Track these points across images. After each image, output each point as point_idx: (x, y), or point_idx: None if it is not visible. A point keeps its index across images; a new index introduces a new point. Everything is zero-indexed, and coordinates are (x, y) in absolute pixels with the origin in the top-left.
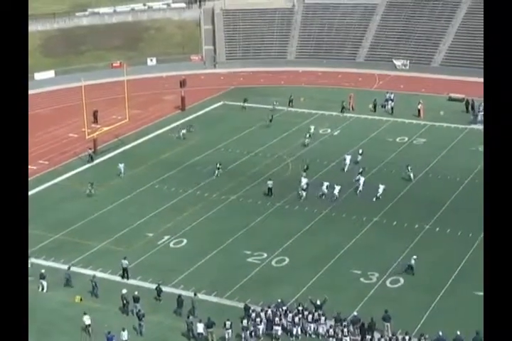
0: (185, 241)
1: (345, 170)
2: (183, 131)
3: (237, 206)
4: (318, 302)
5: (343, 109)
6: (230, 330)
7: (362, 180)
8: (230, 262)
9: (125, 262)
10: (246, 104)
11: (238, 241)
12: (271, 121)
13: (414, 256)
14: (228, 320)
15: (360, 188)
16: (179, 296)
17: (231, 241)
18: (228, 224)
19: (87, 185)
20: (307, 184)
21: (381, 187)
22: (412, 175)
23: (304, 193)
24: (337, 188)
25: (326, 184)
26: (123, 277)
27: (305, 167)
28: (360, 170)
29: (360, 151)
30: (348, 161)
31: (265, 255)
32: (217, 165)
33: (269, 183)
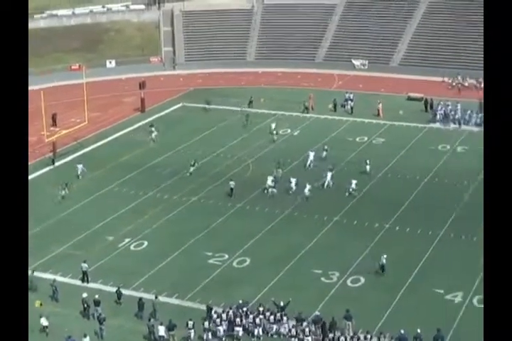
0: (145, 243)
1: (309, 166)
2: (155, 134)
3: (198, 207)
4: (282, 304)
5: (305, 110)
6: (192, 330)
7: (329, 175)
8: (191, 264)
9: (85, 265)
10: (208, 106)
11: (199, 243)
12: (247, 120)
13: (385, 255)
14: (191, 319)
15: (327, 183)
16: (140, 299)
17: (192, 242)
18: (189, 225)
19: (60, 187)
20: (275, 181)
21: (353, 182)
22: (368, 168)
23: (272, 190)
24: (308, 187)
25: (293, 180)
26: (83, 281)
27: (277, 164)
28: (331, 166)
29: (326, 147)
30: (311, 157)
31: (226, 256)
32: (192, 163)
33: (231, 184)
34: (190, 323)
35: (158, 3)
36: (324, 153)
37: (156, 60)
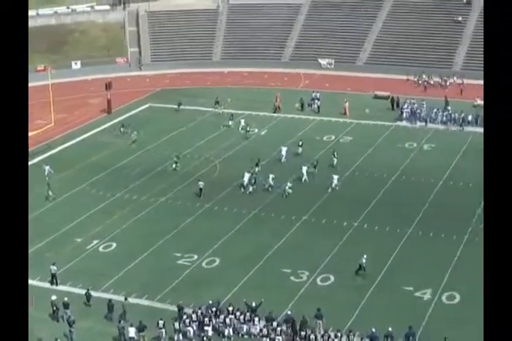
0: (114, 245)
1: (282, 161)
2: (135, 133)
3: (166, 208)
4: (254, 305)
5: (278, 109)
6: (163, 330)
7: (304, 169)
8: (161, 265)
9: (54, 268)
10: (178, 107)
11: (168, 244)
12: (231, 119)
13: (365, 256)
14: (161, 319)
15: (305, 177)
16: (109, 301)
17: (161, 243)
18: (158, 226)
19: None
20: (254, 178)
21: (335, 178)
22: (336, 161)
23: (252, 187)
24: (289, 184)
25: (271, 176)
26: (52, 283)
27: (257, 161)
28: (315, 162)
29: (300, 143)
30: (284, 152)
31: (196, 256)
32: (175, 159)
33: (200, 184)
34: (161, 323)
35: (124, 4)
36: (300, 149)
37: (122, 60)
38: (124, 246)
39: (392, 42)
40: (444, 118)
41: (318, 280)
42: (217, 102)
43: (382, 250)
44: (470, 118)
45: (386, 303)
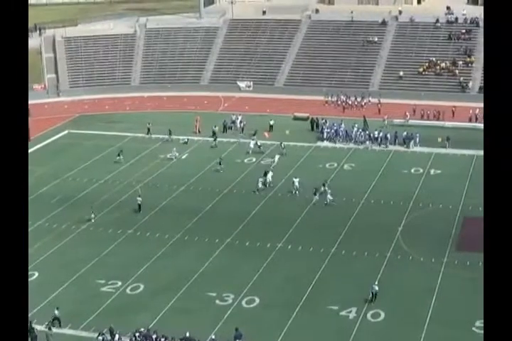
0: (36, 274)
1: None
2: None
3: (88, 235)
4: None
5: (214, 135)
6: None
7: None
8: (84, 292)
9: None
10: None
11: (91, 271)
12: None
13: (376, 282)
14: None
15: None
16: (33, 330)
17: (84, 271)
18: (80, 254)
19: None
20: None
21: (296, 181)
22: (260, 184)
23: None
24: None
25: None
26: None
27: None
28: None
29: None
30: (297, 184)
31: (119, 283)
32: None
33: (139, 200)
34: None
35: (39, 30)
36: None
37: (40, 87)
38: (46, 275)
39: (310, 64)
40: (362, 138)
41: (243, 302)
42: (148, 129)
43: (307, 270)
44: (389, 136)
45: (312, 323)
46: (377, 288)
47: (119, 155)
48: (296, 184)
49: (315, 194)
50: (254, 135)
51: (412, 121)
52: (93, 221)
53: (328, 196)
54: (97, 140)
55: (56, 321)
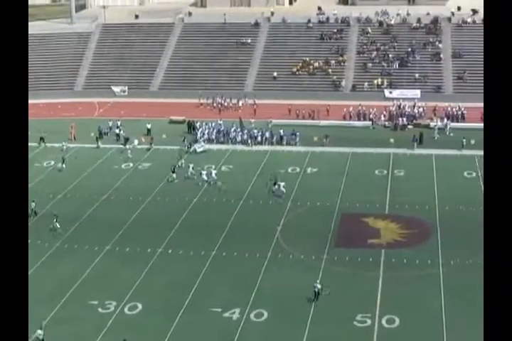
0: None
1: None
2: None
3: None
4: None
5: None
6: None
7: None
8: None
9: None
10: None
11: None
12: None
13: (318, 281)
14: None
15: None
16: None
17: None
18: None
19: None
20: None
21: (281, 185)
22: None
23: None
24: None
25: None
26: None
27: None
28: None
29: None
30: (282, 188)
31: None
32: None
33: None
34: None
35: None
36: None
37: None
38: None
39: (184, 67)
40: (240, 137)
41: (126, 309)
42: (41, 138)
43: (189, 273)
44: (268, 135)
45: (196, 326)
46: (319, 286)
47: None
48: (205, 177)
49: (274, 185)
50: (126, 141)
51: (287, 121)
52: None
53: (282, 188)
54: None
55: None
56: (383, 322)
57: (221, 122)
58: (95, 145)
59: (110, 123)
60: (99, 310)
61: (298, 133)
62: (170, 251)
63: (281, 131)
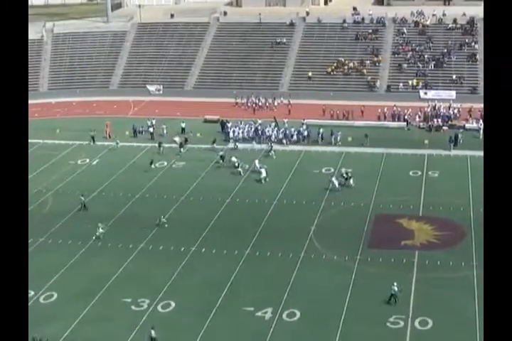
0: None
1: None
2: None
3: None
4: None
5: (93, 139)
6: None
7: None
8: None
9: None
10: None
11: None
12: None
13: (395, 283)
14: None
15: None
16: None
17: None
18: None
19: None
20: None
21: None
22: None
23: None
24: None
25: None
26: None
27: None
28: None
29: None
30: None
31: (32, 292)
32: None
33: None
34: None
35: None
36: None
37: None
38: None
39: (219, 66)
40: (280, 135)
41: (159, 307)
42: (92, 137)
43: (222, 272)
44: (305, 134)
45: (228, 325)
46: (396, 288)
47: None
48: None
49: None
50: (213, 143)
51: (321, 121)
52: None
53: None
54: None
55: None
56: (416, 323)
57: (260, 121)
58: (129, 144)
59: (149, 122)
60: (133, 307)
61: (339, 133)
62: (203, 250)
63: (321, 129)
